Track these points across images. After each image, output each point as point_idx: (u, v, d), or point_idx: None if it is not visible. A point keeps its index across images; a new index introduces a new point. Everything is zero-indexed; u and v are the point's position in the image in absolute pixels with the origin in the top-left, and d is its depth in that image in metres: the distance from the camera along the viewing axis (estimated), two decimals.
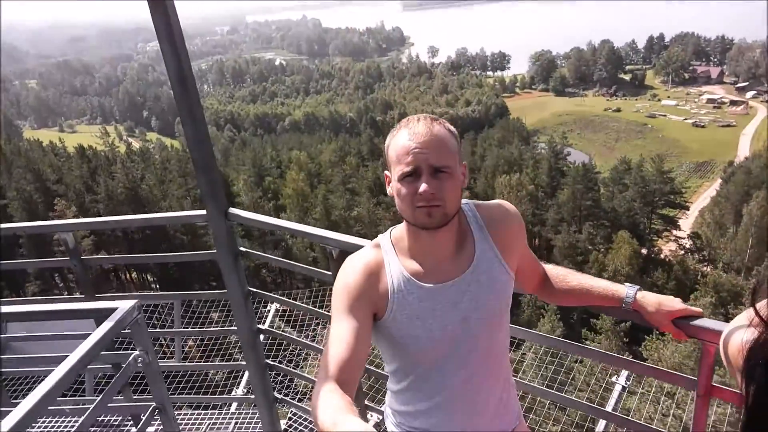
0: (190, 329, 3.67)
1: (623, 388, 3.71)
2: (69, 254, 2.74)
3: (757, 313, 1.09)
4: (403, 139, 1.32)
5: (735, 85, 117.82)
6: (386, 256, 1.41)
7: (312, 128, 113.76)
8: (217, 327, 3.01)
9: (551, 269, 1.66)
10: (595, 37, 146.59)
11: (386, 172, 1.40)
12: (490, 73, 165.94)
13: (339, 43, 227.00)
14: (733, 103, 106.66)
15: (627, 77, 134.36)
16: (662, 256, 49.37)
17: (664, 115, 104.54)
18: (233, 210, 2.52)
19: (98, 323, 1.92)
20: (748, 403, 1.02)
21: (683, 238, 52.96)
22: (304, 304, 2.71)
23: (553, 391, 2.12)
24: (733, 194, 51.97)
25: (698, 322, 1.45)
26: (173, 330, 2.94)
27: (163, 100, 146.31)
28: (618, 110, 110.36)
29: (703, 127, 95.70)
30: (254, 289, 2.78)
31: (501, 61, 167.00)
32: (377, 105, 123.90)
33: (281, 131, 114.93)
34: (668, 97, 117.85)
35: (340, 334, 1.28)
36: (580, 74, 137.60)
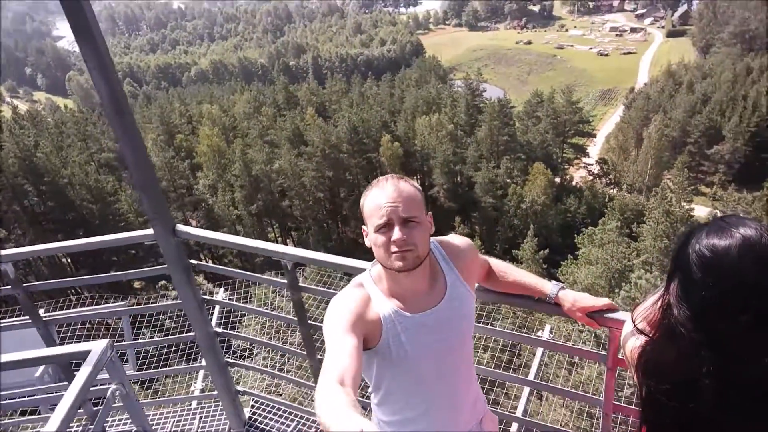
0: (144, 340, 3.70)
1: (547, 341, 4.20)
2: (11, 284, 2.68)
3: (634, 324, 1.40)
4: (376, 197, 1.55)
5: (635, 13, 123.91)
6: (372, 293, 1.63)
7: (221, 77, 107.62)
8: (172, 336, 3.09)
9: (494, 264, 1.95)
10: None
11: (363, 227, 1.61)
12: (402, 9, 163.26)
13: None
14: (633, 30, 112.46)
15: (536, 8, 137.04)
16: (574, 183, 52.90)
17: (572, 46, 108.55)
18: (181, 227, 2.57)
19: (69, 367, 1.99)
20: (642, 397, 1.34)
21: (591, 165, 56.87)
22: (254, 307, 2.84)
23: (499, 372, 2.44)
24: (635, 119, 55.78)
25: (606, 314, 1.78)
26: (126, 343, 2.99)
27: (48, 53, 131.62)
28: (529, 43, 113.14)
29: (606, 55, 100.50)
30: (207, 297, 2.88)
31: None
32: (289, 49, 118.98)
33: (188, 83, 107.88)
34: (575, 27, 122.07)
35: (340, 347, 1.43)
36: (491, 7, 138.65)
